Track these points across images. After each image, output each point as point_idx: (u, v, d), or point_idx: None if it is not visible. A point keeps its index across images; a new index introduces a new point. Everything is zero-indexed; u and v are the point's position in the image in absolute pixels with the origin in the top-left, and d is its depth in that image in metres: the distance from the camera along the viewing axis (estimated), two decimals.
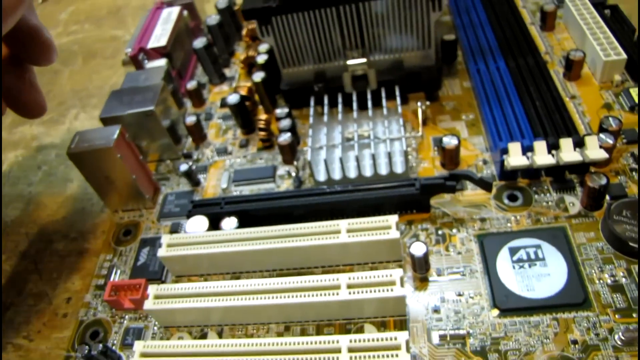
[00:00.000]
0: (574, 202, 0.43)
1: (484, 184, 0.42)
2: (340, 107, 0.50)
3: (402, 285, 0.37)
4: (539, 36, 0.58)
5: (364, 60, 0.49)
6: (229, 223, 0.44)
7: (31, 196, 0.57)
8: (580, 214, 0.42)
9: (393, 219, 0.40)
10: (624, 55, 0.50)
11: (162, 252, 0.42)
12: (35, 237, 0.53)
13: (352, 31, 0.49)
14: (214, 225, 0.44)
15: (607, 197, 0.43)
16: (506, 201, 0.44)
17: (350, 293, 0.37)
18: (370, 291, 0.37)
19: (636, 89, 0.50)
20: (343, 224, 0.40)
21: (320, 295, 0.37)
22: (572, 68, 0.51)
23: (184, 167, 0.49)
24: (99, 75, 0.71)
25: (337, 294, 0.37)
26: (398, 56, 0.51)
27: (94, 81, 0.70)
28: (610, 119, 0.45)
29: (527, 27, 0.56)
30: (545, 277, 0.39)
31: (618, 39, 0.51)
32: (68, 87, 0.70)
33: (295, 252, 0.41)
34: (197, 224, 0.44)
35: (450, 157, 0.46)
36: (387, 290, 0.37)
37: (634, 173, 0.44)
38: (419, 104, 0.50)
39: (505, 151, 0.44)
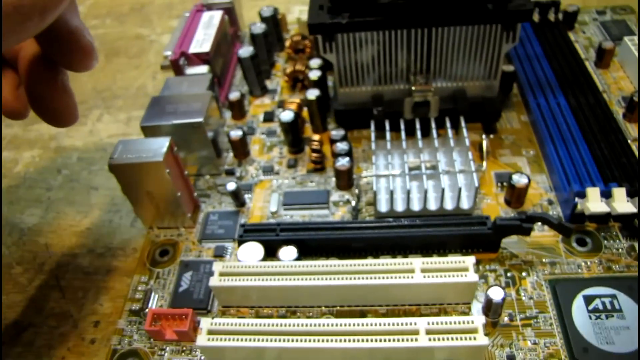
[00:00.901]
0: None
1: (564, 230, 0.40)
2: (403, 134, 0.47)
3: (485, 333, 0.34)
4: (594, 73, 0.56)
5: (429, 87, 0.47)
6: (289, 253, 0.41)
7: (50, 202, 0.53)
8: None
9: (470, 260, 0.38)
10: None
11: (214, 281, 0.39)
12: (57, 249, 0.49)
13: (420, 56, 0.47)
14: (267, 252, 0.42)
15: None
16: (575, 245, 0.42)
17: (430, 340, 0.35)
18: (451, 338, 0.34)
19: None
20: (417, 263, 0.38)
21: (398, 340, 0.35)
22: (635, 110, 0.50)
23: (231, 185, 0.46)
24: (124, 76, 0.67)
25: (416, 339, 0.35)
26: (461, 85, 0.49)
27: (118, 81, 0.66)
28: None
29: (583, 63, 0.54)
30: (624, 330, 0.37)
31: None
32: (89, 86, 0.66)
33: (363, 290, 0.38)
34: (251, 252, 0.41)
35: (518, 195, 0.44)
36: (469, 339, 0.34)
37: None
38: (483, 136, 0.48)
39: (579, 194, 0.42)
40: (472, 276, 0.37)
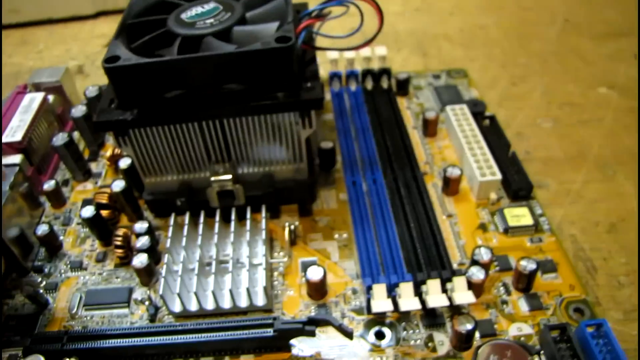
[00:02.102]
0: (443, 341, 0.41)
1: (345, 333, 0.39)
2: (200, 227, 0.46)
3: None
4: (421, 143, 0.56)
5: (229, 176, 0.46)
6: None
7: None
8: (449, 355, 0.40)
9: None
10: (499, 175, 0.49)
11: None
12: None
13: (217, 145, 0.46)
14: None
15: (477, 335, 0.41)
16: (372, 339, 0.41)
17: None
18: None
19: (510, 209, 0.49)
20: None
21: None
22: (450, 185, 0.50)
23: (27, 289, 0.44)
24: None
25: None
26: (268, 169, 0.48)
27: None
28: (482, 250, 0.43)
29: (408, 133, 0.54)
30: None
31: (494, 155, 0.51)
32: None
33: None
34: None
35: (315, 289, 0.43)
36: None
37: (504, 306, 0.43)
38: (286, 223, 0.47)
39: (371, 288, 0.41)
40: None
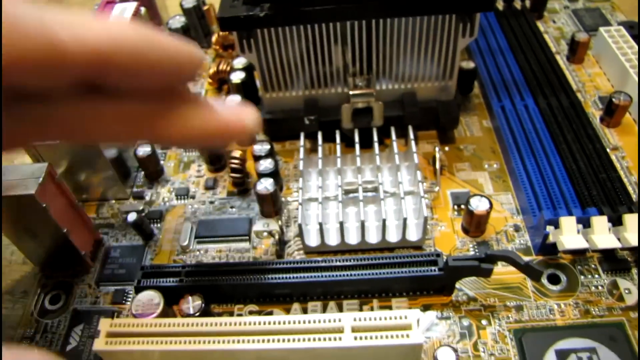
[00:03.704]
0: (630, 289, 0.34)
1: (532, 272, 0.32)
2: (338, 148, 0.39)
3: None
4: (567, 69, 0.49)
5: (371, 90, 0.39)
6: (192, 305, 0.33)
7: None
8: None
9: (413, 315, 0.30)
10: None
11: (99, 345, 0.31)
12: None
13: (359, 53, 0.39)
14: (170, 300, 0.34)
15: None
16: (546, 283, 0.35)
17: None
18: None
19: None
20: (347, 319, 0.30)
21: None
22: (615, 113, 0.43)
23: (132, 216, 0.38)
24: None
25: None
26: (410, 87, 0.41)
27: None
28: None
29: (554, 57, 0.47)
30: None
31: None
32: None
33: (282, 354, 0.30)
34: (149, 303, 0.33)
35: (477, 223, 0.36)
36: None
37: None
38: (436, 148, 0.40)
39: (551, 223, 0.34)
40: (416, 337, 0.29)
